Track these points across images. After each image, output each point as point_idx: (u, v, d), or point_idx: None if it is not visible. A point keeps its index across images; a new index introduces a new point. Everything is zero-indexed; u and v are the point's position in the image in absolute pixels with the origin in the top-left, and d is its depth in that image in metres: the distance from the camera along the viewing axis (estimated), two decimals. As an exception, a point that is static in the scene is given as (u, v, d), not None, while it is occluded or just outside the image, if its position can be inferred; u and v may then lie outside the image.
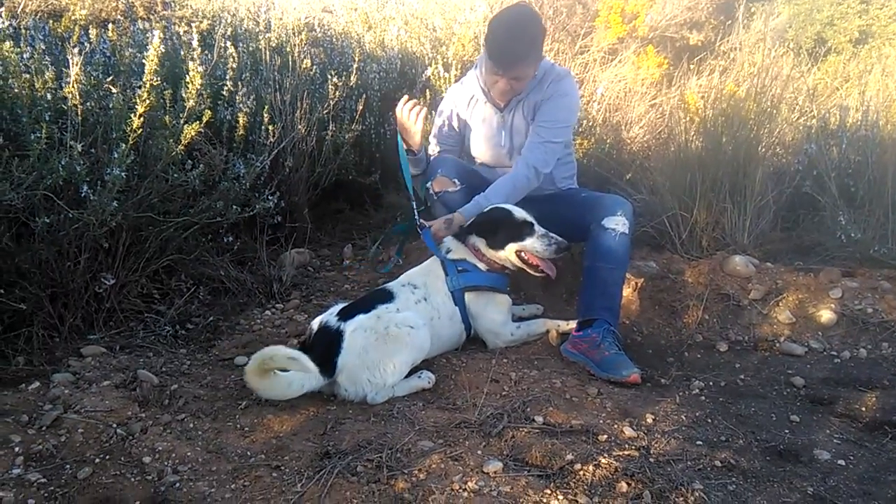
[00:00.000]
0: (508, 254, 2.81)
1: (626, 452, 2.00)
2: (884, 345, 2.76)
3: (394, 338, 2.40)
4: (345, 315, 2.46)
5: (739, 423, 2.25)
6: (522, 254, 2.80)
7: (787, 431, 2.19)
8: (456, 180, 3.03)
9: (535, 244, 2.76)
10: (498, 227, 2.79)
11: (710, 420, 2.27)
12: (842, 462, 2.00)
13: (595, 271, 2.83)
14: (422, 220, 2.94)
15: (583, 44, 5.50)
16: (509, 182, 2.97)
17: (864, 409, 2.33)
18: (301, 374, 2.27)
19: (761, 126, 3.56)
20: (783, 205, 3.46)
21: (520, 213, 2.81)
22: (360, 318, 2.44)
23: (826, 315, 2.90)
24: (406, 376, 2.45)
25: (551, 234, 2.79)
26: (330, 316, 2.49)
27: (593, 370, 2.60)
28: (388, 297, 2.62)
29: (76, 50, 2.51)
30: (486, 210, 2.86)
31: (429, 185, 3.06)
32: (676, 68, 5.48)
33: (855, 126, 3.93)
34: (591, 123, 4.53)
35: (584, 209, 2.97)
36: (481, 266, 2.83)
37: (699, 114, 3.82)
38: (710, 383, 2.58)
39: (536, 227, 2.79)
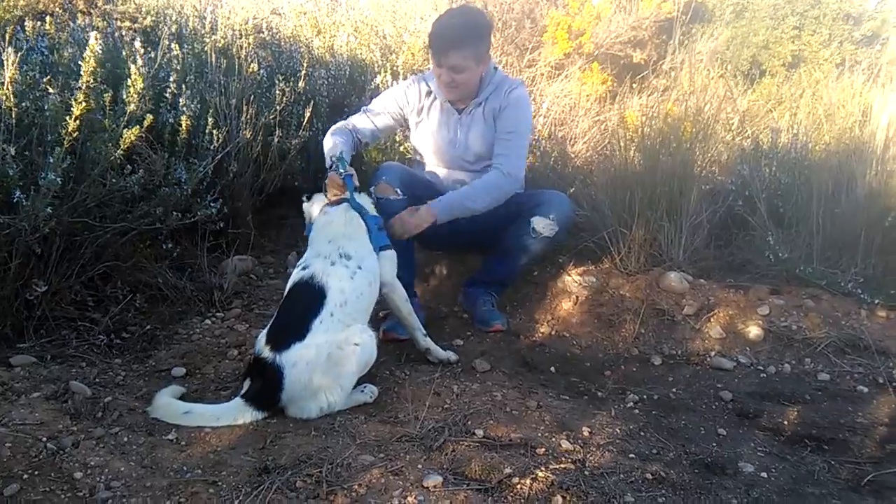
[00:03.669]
0: None
1: (562, 466, 2.05)
2: (807, 360, 2.91)
3: (337, 361, 2.30)
4: (277, 343, 2.28)
5: (670, 435, 2.34)
6: None
7: (714, 444, 2.29)
8: (398, 189, 3.04)
9: None
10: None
11: (642, 433, 2.34)
12: (764, 475, 2.10)
13: (506, 253, 3.24)
14: (350, 168, 2.86)
15: (531, 58, 5.59)
16: (481, 185, 3.02)
17: (786, 422, 2.46)
18: (234, 409, 2.24)
19: (696, 145, 3.71)
20: (717, 223, 3.59)
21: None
22: (298, 349, 2.25)
23: (754, 331, 3.04)
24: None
25: None
26: (260, 345, 2.33)
27: (474, 322, 3.23)
28: (318, 301, 2.35)
29: (11, 49, 2.42)
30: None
31: (372, 188, 3.06)
32: (620, 85, 5.63)
33: (785, 148, 4.12)
34: (537, 137, 4.61)
35: (520, 200, 3.15)
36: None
37: (638, 132, 3.94)
38: (644, 396, 2.66)
39: None
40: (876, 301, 3.10)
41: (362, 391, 2.45)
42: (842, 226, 3.34)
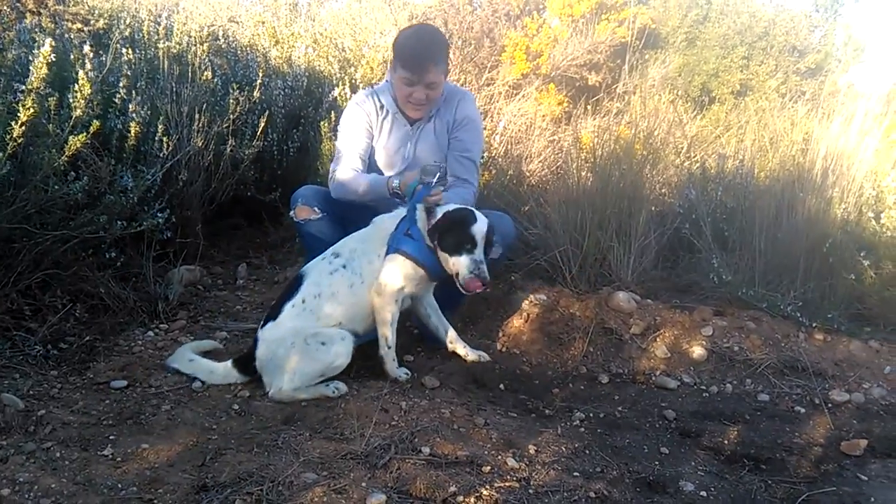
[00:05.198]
0: (447, 263, 2.70)
1: (507, 484, 2.05)
2: (747, 381, 2.98)
3: (300, 351, 2.50)
4: (264, 320, 2.64)
5: (614, 454, 2.37)
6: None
7: (657, 463, 2.32)
8: (316, 208, 3.11)
9: (462, 262, 2.64)
10: (450, 231, 2.67)
11: (587, 451, 2.36)
12: (704, 493, 2.14)
13: None
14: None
15: (489, 76, 5.66)
16: (460, 198, 3.00)
17: (726, 442, 2.51)
18: (223, 370, 2.60)
19: (646, 168, 3.79)
20: (664, 245, 3.68)
21: (478, 228, 2.66)
22: (270, 327, 2.59)
23: (698, 351, 3.11)
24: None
25: (482, 265, 2.66)
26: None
27: (425, 339, 3.19)
28: (295, 287, 2.66)
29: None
30: (453, 209, 2.73)
31: (292, 213, 3.15)
32: (575, 106, 5.74)
33: (731, 173, 4.25)
34: (493, 155, 4.65)
35: None
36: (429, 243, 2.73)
37: (591, 153, 4.01)
38: (591, 415, 2.69)
39: (476, 249, 2.66)
40: (814, 324, 3.21)
41: (327, 385, 2.56)
42: (783, 250, 3.45)
